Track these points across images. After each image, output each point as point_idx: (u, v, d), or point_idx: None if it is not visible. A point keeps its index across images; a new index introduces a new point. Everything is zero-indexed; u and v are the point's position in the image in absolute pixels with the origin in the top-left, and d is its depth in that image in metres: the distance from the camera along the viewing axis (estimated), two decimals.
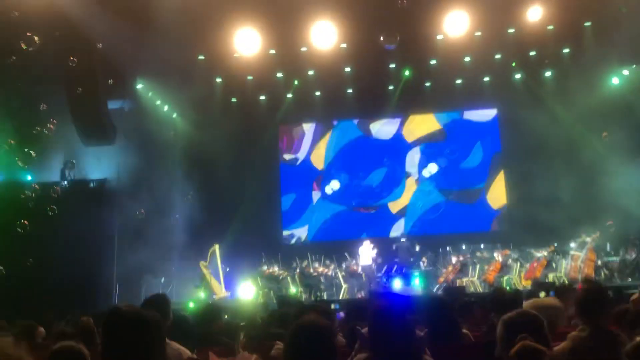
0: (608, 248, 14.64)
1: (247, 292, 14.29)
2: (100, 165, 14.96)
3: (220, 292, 14.90)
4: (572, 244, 14.17)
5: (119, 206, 14.11)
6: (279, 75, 16.24)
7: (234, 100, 17.18)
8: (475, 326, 5.38)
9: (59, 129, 12.65)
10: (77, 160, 14.76)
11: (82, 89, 12.56)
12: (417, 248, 15.24)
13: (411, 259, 15.19)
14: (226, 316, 5.07)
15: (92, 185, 14.74)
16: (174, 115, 16.79)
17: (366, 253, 14.92)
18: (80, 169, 14.95)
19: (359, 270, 15.00)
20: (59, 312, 7.81)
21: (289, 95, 17.30)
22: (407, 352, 3.11)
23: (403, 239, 15.43)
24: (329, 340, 2.44)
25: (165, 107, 16.42)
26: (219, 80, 16.24)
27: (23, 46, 9.51)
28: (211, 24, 13.24)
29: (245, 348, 4.48)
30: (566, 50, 15.48)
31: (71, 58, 11.82)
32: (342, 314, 7.18)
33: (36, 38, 9.52)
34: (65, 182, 14.50)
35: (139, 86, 15.36)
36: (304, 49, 14.51)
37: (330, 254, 15.80)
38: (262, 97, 17.29)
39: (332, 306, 9.47)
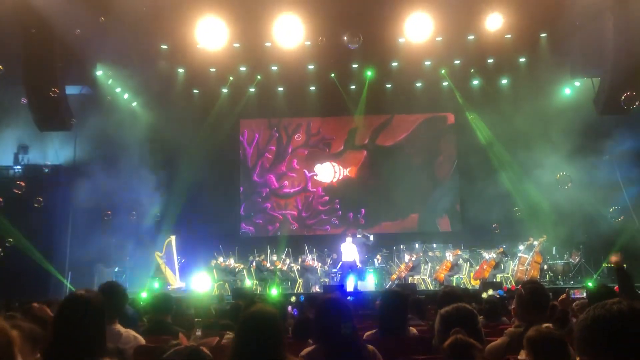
0: (554, 252, 15.22)
1: (203, 283, 14.26)
2: (55, 150, 14.65)
3: (175, 282, 14.84)
4: (520, 247, 14.67)
5: (73, 193, 13.84)
6: (242, 69, 16.21)
7: (195, 91, 17.02)
8: (424, 321, 5.58)
9: (14, 112, 12.36)
10: (31, 145, 14.44)
11: (40, 73, 12.29)
12: (372, 238, 15.43)
13: (366, 256, 15.45)
14: (175, 308, 5.09)
15: (46, 170, 14.43)
16: (134, 104, 16.53)
17: (348, 249, 14.90)
18: (35, 154, 14.63)
19: (315, 264, 15.17)
20: (7, 301, 7.64)
21: (252, 90, 17.26)
22: (349, 343, 3.27)
23: (359, 235, 15.63)
24: (273, 328, 2.51)
25: (126, 95, 16.13)
26: (181, 70, 16.08)
27: None
28: (175, 14, 13.12)
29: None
30: (522, 59, 15.94)
31: (30, 41, 11.56)
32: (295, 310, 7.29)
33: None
34: (19, 167, 14.17)
35: (99, 72, 15.03)
36: (268, 44, 14.52)
37: (288, 248, 15.89)
38: (225, 90, 17.18)
39: (294, 298, 9.56)
